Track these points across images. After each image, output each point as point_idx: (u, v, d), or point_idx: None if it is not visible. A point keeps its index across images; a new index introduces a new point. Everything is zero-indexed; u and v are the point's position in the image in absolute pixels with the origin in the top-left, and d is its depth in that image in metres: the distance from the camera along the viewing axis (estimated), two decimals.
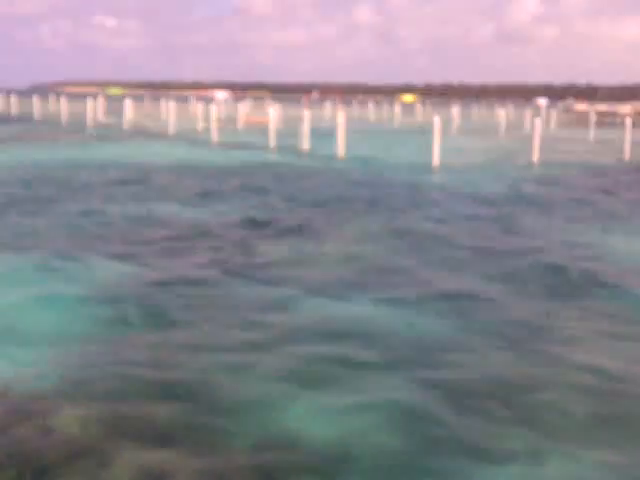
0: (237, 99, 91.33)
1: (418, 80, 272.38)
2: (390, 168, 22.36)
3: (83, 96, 57.16)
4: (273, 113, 29.59)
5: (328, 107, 64.32)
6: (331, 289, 8.16)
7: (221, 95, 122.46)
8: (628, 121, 29.28)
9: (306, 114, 26.98)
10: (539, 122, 26.46)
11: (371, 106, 71.83)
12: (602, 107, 75.57)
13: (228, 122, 42.25)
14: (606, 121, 54.32)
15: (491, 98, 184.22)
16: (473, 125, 53.59)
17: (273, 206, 14.33)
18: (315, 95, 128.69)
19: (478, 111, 74.50)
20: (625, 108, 73.35)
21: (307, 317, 7.16)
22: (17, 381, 5.35)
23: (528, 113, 50.29)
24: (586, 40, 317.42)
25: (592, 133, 38.31)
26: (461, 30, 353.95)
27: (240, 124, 41.40)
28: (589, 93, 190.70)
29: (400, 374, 5.69)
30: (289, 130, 32.47)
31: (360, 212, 13.88)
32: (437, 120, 24.10)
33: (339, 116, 25.90)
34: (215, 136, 31.93)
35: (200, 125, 39.28)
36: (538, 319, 7.28)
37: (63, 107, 49.24)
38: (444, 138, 35.57)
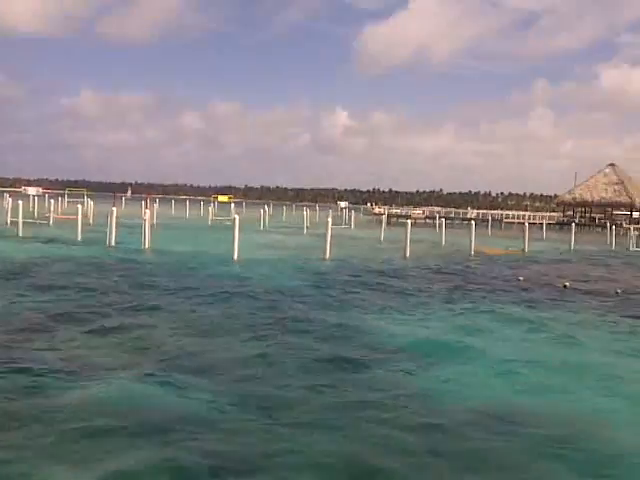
0: (52, 196, 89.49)
1: (239, 183, 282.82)
2: (192, 260, 24.10)
3: None
4: (81, 208, 30.70)
5: (143, 205, 65.35)
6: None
7: (33, 191, 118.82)
8: (408, 223, 33.33)
9: (114, 210, 28.35)
10: (330, 222, 29.50)
11: (187, 204, 74.09)
12: (396, 210, 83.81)
13: (40, 218, 42.16)
14: (399, 222, 59.95)
15: (305, 201, 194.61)
16: (282, 224, 57.47)
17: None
18: (129, 193, 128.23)
19: (287, 212, 79.04)
20: (416, 211, 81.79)
21: None
22: None
23: (330, 214, 54.41)
24: (390, 152, 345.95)
25: (383, 233, 42.70)
26: (281, 139, 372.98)
27: (51, 220, 41.49)
28: (392, 198, 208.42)
29: None
30: (102, 226, 33.37)
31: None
32: (237, 218, 26.49)
33: (145, 213, 27.61)
34: (20, 231, 32.07)
35: (8, 220, 38.91)
36: None
37: None
38: (251, 234, 38.18)
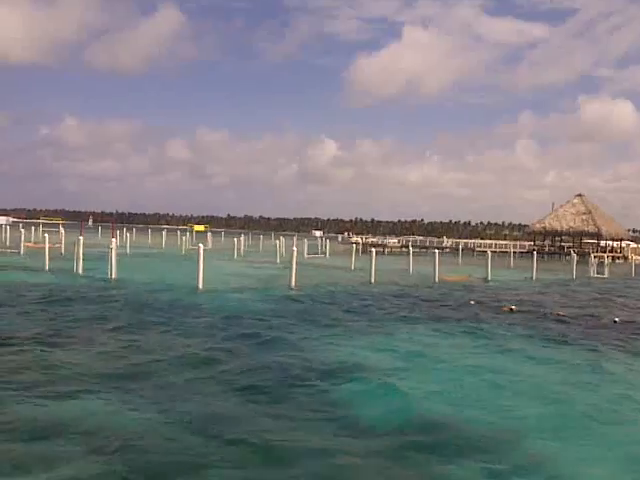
0: (25, 225, 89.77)
1: (223, 213, 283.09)
2: (156, 290, 24.41)
3: None
4: (49, 237, 31.23)
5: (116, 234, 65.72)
6: None
7: (3, 220, 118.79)
8: (373, 252, 34.35)
9: (80, 239, 28.82)
10: (295, 251, 30.17)
11: (164, 234, 74.14)
12: (373, 239, 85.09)
13: (12, 247, 42.62)
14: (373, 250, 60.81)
15: (288, 231, 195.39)
16: (258, 253, 58.24)
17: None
18: (90, 222, 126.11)
19: (266, 241, 79.57)
20: (392, 240, 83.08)
21: None
22: None
23: (306, 244, 55.07)
24: (375, 182, 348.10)
25: (354, 262, 43.44)
26: (267, 168, 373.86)
27: (22, 249, 41.84)
28: (374, 227, 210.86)
29: None
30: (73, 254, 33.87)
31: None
32: (201, 247, 26.82)
33: (112, 242, 28.08)
34: None
35: None
36: None
37: None
38: (223, 263, 38.69)
